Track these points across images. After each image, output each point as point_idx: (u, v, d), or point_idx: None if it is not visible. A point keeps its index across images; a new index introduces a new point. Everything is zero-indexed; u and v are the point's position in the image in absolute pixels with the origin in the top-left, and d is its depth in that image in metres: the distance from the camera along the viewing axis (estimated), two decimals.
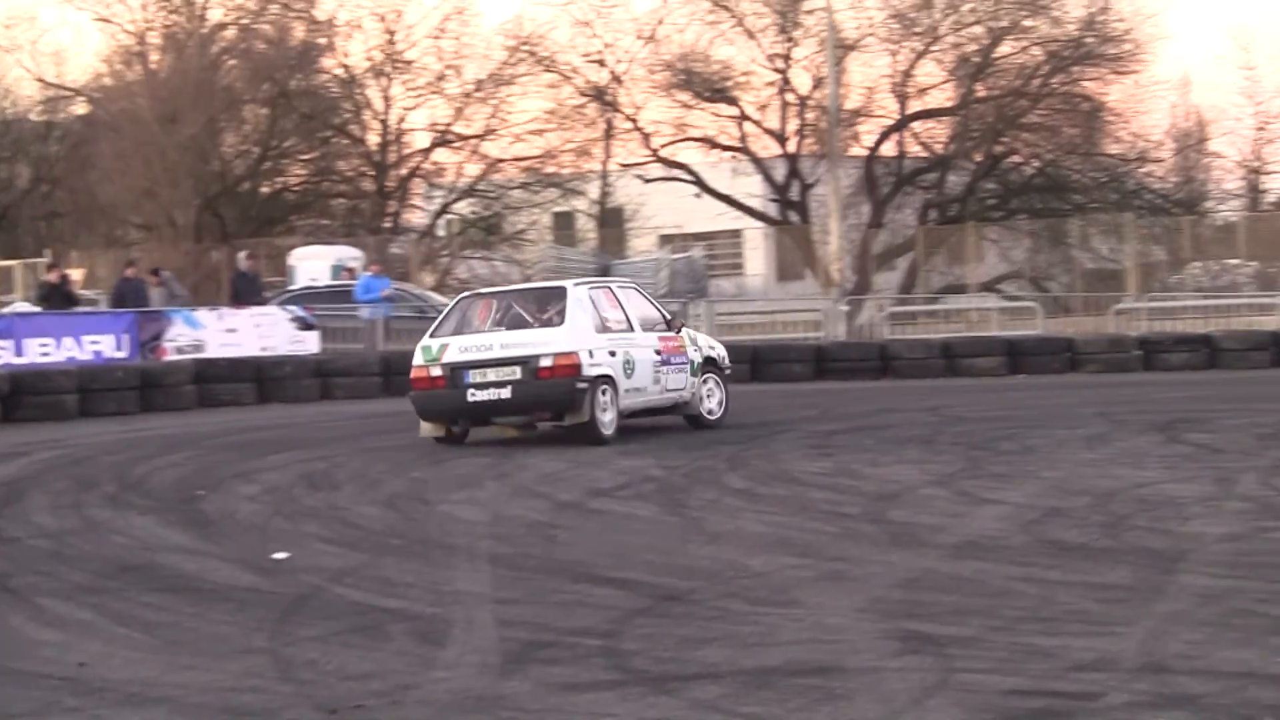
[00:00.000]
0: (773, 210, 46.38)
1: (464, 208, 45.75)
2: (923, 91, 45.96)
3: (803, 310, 38.13)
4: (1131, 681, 6.64)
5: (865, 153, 45.62)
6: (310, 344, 27.51)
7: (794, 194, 45.51)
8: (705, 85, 45.41)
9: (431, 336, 17.65)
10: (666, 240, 45.54)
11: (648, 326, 18.28)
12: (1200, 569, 8.99)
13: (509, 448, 16.60)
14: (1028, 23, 45.56)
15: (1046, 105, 46.05)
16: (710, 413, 18.78)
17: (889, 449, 15.69)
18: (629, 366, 17.54)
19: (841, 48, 42.35)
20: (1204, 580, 8.68)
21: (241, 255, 30.64)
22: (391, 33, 44.40)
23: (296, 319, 27.92)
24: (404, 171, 45.51)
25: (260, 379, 25.55)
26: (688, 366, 18.47)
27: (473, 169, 45.17)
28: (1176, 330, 32.44)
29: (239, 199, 43.89)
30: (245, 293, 28.96)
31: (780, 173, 45.87)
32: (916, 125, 46.37)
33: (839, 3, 44.07)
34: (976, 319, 37.51)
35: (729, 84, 45.68)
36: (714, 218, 46.37)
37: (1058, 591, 8.52)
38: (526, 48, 44.60)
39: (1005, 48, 45.72)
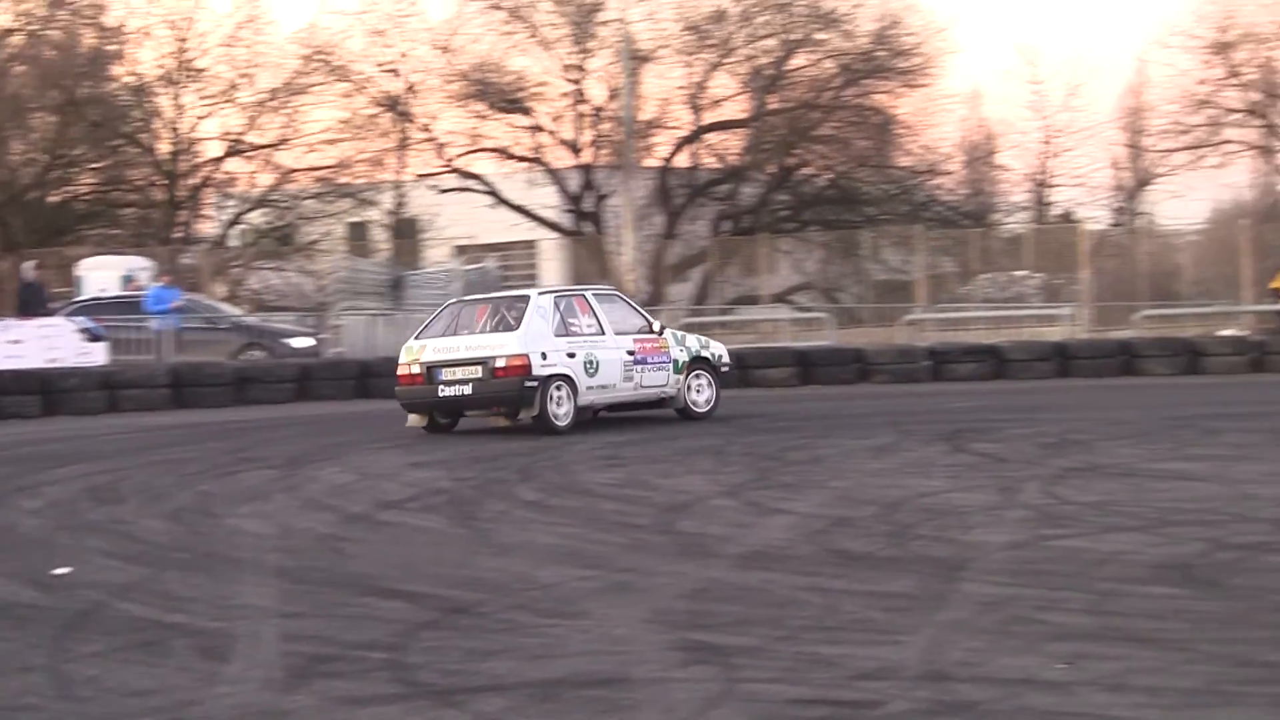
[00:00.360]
0: (567, 221, 46.46)
1: (257, 218, 45.33)
2: (717, 103, 46.34)
3: None
4: (913, 689, 6.71)
5: (659, 164, 45.85)
6: (98, 356, 27.10)
7: (588, 205, 45.67)
8: (500, 96, 45.43)
9: (416, 338, 20.08)
10: (461, 251, 45.43)
11: (624, 330, 20.27)
12: (982, 577, 9.12)
13: (297, 465, 16.42)
14: (820, 36, 46.10)
15: (838, 118, 46.62)
16: (697, 405, 20.80)
17: (680, 460, 15.76)
18: (591, 366, 19.64)
19: (636, 59, 42.57)
20: (985, 588, 8.80)
21: (28, 265, 30.11)
22: (183, 40, 43.93)
23: (84, 330, 27.48)
24: (196, 181, 45.00)
25: (46, 391, 25.17)
26: (669, 365, 20.48)
27: (266, 179, 44.85)
28: (965, 341, 32.89)
29: (26, 208, 43.08)
30: (32, 304, 28.46)
31: (575, 184, 46.01)
32: (710, 137, 46.73)
33: (634, 14, 44.39)
34: (769, 330, 37.83)
35: (524, 95, 45.75)
36: (509, 228, 46.40)
37: (842, 600, 8.59)
38: (320, 57, 44.36)
39: (798, 60, 46.22)
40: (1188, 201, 60.72)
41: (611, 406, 20.53)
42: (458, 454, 16.81)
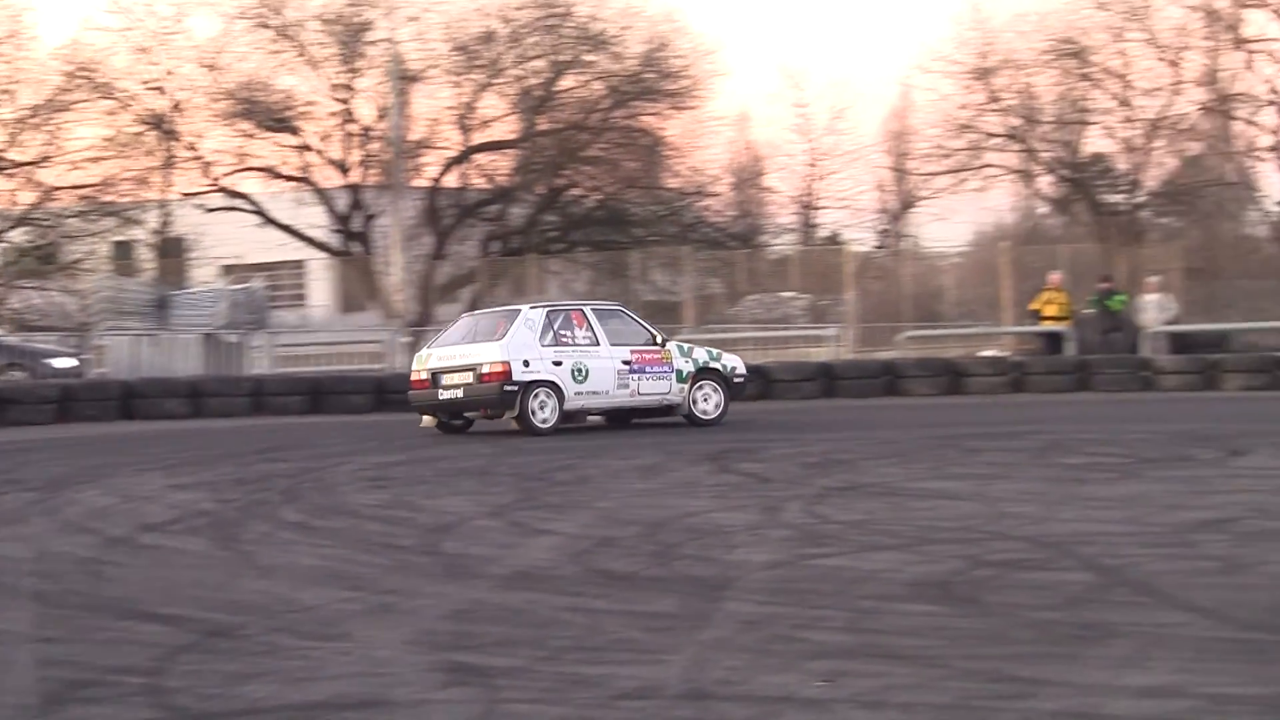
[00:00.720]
0: (336, 241, 46.11)
1: (18, 236, 44.39)
2: (486, 124, 46.22)
3: (365, 342, 37.99)
4: (673, 708, 6.75)
5: (428, 184, 45.68)
6: None
7: (357, 225, 45.34)
8: (267, 115, 44.95)
9: (428, 348, 22.86)
10: (228, 271, 44.91)
11: (624, 342, 22.41)
12: (744, 596, 9.19)
13: (57, 487, 16.13)
14: (589, 57, 46.16)
15: (607, 139, 46.70)
16: (705, 413, 22.73)
17: (445, 480, 15.73)
18: (579, 373, 21.91)
19: (405, 79, 42.37)
20: (747, 607, 8.88)
21: None
22: None
23: None
24: None
25: None
26: (670, 375, 22.56)
27: (27, 196, 43.91)
28: None
29: None
30: None
31: (343, 203, 45.65)
32: (480, 157, 46.59)
33: (402, 34, 44.20)
34: None
35: (291, 114, 45.31)
36: (276, 248, 45.95)
37: (605, 620, 8.61)
38: (84, 73, 43.56)
39: (567, 82, 46.26)
40: (950, 224, 61.79)
41: (610, 411, 22.86)
42: (221, 476, 16.60)
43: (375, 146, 44.62)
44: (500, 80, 45.76)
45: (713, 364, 22.98)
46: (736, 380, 23.24)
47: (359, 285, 43.91)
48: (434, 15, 45.20)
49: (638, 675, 7.31)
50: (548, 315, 22.22)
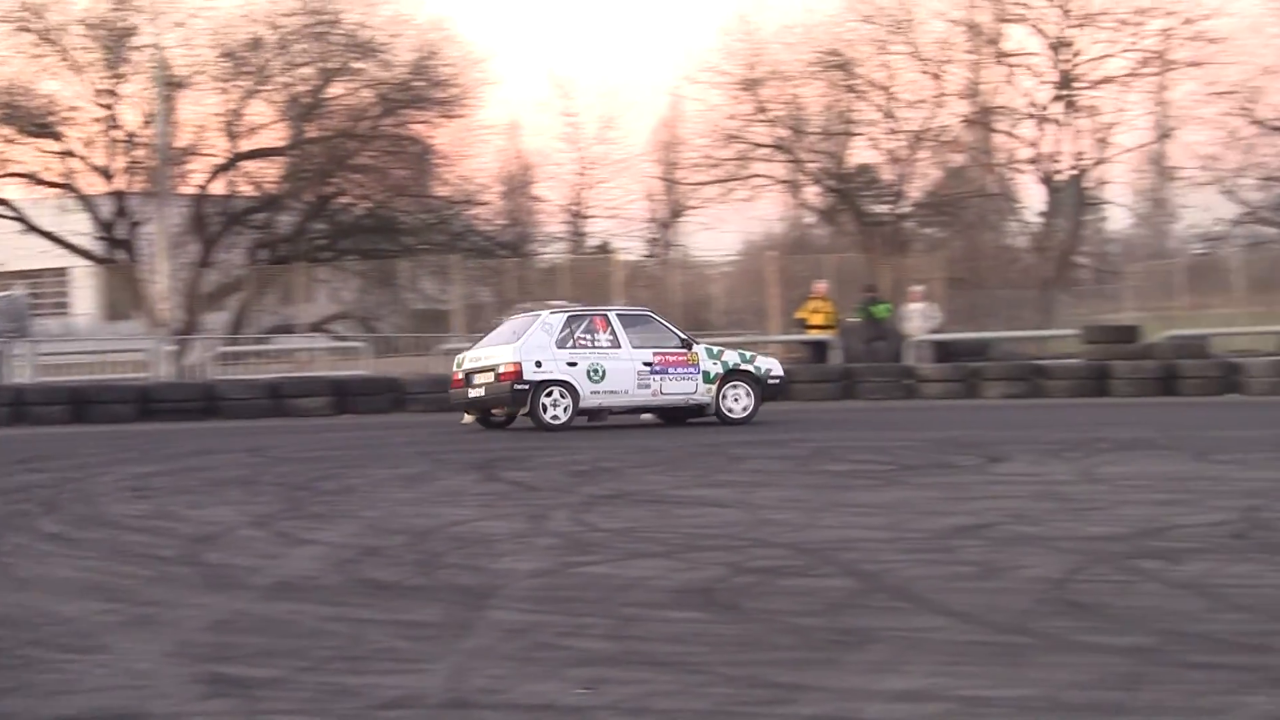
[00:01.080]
0: (100, 248, 45.41)
1: None
2: (253, 131, 45.83)
3: (130, 350, 37.46)
4: (435, 717, 6.73)
5: (195, 191, 45.16)
6: None
7: (122, 232, 44.71)
8: (29, 119, 44.19)
9: (469, 350, 24.86)
10: None
11: (649, 345, 23.88)
12: (508, 604, 9.19)
13: None
14: (357, 65, 46.02)
15: (376, 147, 46.58)
16: (733, 412, 24.12)
17: (209, 491, 15.55)
18: (596, 374, 23.52)
19: (171, 85, 41.89)
20: (511, 615, 8.88)
21: None
22: None
23: None
24: None
25: None
26: (697, 376, 23.97)
27: None
28: None
29: None
30: None
31: (108, 210, 44.99)
32: (248, 164, 46.19)
33: (168, 40, 43.69)
34: (305, 359, 37.57)
35: (54, 119, 44.62)
36: (39, 255, 45.16)
37: (369, 630, 8.57)
38: None
39: (336, 89, 46.03)
40: (719, 233, 62.38)
41: (634, 410, 24.37)
42: None
43: (140, 153, 44.04)
44: (268, 87, 45.45)
45: (744, 366, 24.34)
46: (771, 382, 24.59)
47: (124, 293, 43.33)
48: (200, 21, 44.89)
49: (400, 685, 7.28)
50: (568, 320, 23.91)
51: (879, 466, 17.46)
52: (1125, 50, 47.92)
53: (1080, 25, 47.75)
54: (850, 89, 47.18)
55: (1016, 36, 48.40)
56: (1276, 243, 45.31)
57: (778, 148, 47.35)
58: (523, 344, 23.39)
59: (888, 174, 48.23)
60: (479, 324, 40.92)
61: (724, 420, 23.97)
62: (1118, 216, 55.32)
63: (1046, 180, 48.67)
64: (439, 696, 7.06)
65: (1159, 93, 48.77)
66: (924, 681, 7.17)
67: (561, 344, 23.55)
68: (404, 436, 22.71)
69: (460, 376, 24.14)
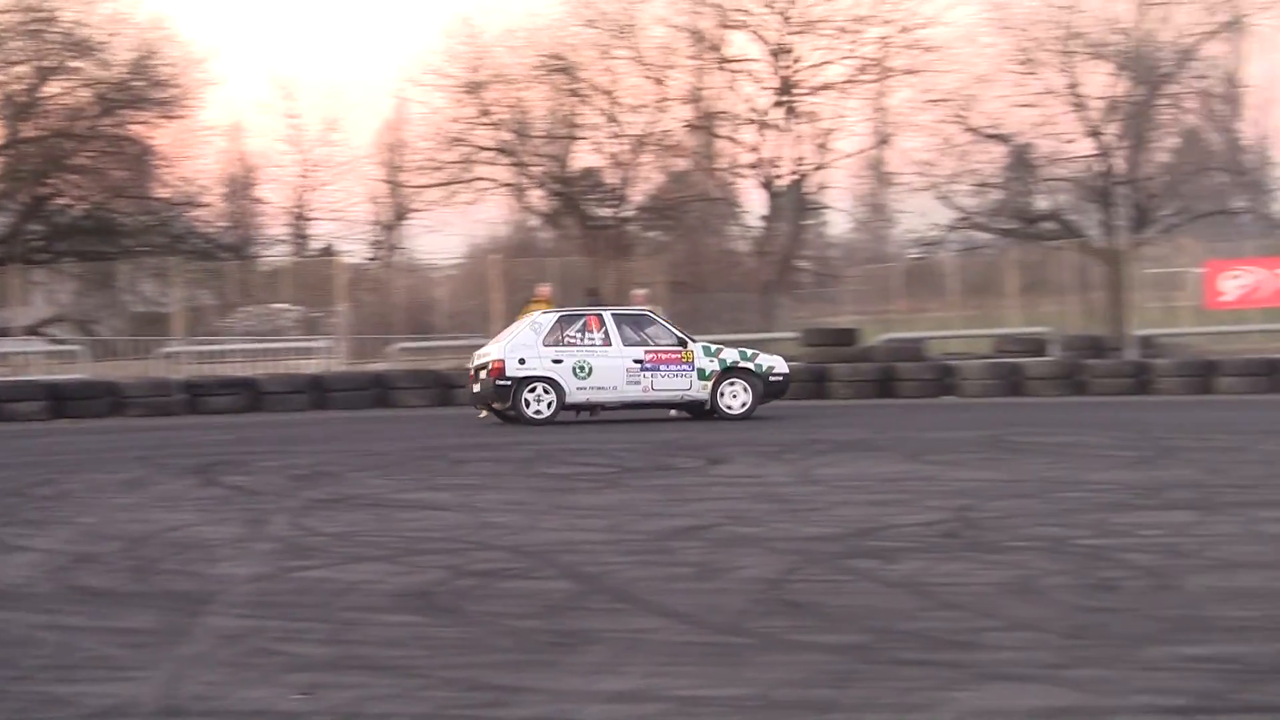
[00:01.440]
0: None
1: None
2: None
3: None
4: None
5: None
6: None
7: None
8: None
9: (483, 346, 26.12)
10: None
11: (642, 343, 24.71)
12: (225, 610, 9.10)
13: None
14: (75, 64, 45.09)
15: (94, 147, 45.67)
16: (729, 408, 24.84)
17: None
18: (582, 370, 24.48)
19: None
20: (228, 621, 8.78)
21: None
22: None
23: None
24: None
25: None
26: (691, 373, 24.73)
27: None
28: (222, 374, 32.76)
29: None
30: None
31: None
32: None
33: None
34: (20, 363, 36.78)
35: None
36: None
37: (81, 638, 8.42)
38: None
39: (52, 88, 45.08)
40: (443, 236, 62.26)
41: (625, 405, 24.93)
42: None
43: None
44: None
45: (743, 364, 25.00)
46: (773, 379, 25.23)
47: None
48: None
49: (112, 693, 7.17)
50: (559, 319, 24.95)
51: (600, 469, 17.56)
52: (844, 57, 48.82)
53: (800, 32, 48.51)
54: (574, 93, 47.36)
55: (738, 43, 49.04)
56: (990, 248, 46.36)
57: (502, 151, 47.38)
58: (508, 342, 24.75)
59: (611, 178, 48.50)
60: (200, 327, 40.43)
61: (719, 415, 24.76)
62: (837, 221, 56.33)
63: (767, 185, 49.32)
64: (152, 705, 6.97)
65: (877, 99, 49.76)
66: (641, 682, 7.24)
67: (552, 342, 24.55)
68: (121, 441, 22.31)
69: (470, 373, 25.39)
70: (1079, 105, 44.89)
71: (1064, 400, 30.80)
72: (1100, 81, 45.24)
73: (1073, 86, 44.80)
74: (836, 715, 6.63)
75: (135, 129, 46.51)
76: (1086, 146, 45.29)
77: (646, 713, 6.77)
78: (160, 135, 47.02)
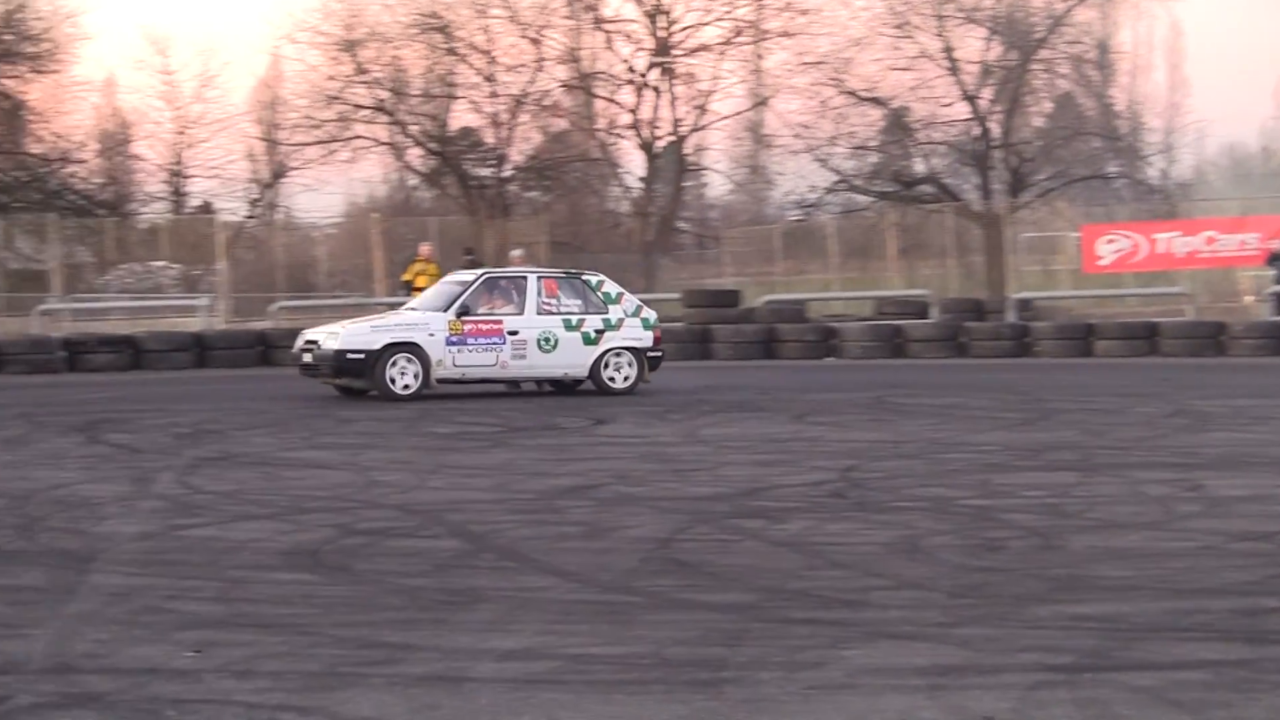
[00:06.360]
0: None
1: None
2: None
3: None
4: (37, 683, 6.61)
5: None
6: None
7: None
8: None
9: None
10: None
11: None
12: (113, 568, 9.06)
13: None
14: None
15: None
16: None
17: None
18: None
19: None
20: (116, 579, 8.75)
21: None
22: None
23: None
24: None
25: None
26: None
27: None
28: (101, 331, 32.42)
29: None
30: None
31: None
32: None
33: None
34: None
35: None
36: None
37: None
38: None
39: None
40: (323, 195, 61.85)
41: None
42: None
43: None
44: None
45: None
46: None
47: None
48: None
49: (1, 650, 7.13)
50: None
51: (487, 429, 17.58)
52: (720, 19, 48.84)
53: None
54: (451, 52, 47.09)
55: (614, 3, 49.06)
56: (869, 210, 46.59)
57: (379, 109, 47.05)
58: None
59: (490, 138, 48.35)
60: (78, 284, 40.02)
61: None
62: (717, 183, 56.37)
63: (647, 146, 49.33)
64: (41, 662, 6.95)
65: (754, 61, 49.81)
66: (532, 640, 7.29)
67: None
68: (3, 398, 22.08)
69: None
70: (954, 69, 45.12)
71: (945, 362, 31.05)
72: (975, 46, 45.51)
73: (948, 51, 45.01)
74: (728, 673, 6.70)
75: (7, 84, 45.89)
76: (962, 110, 45.58)
77: (538, 670, 6.81)
78: (33, 90, 46.43)
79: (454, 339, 21.69)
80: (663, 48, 48.68)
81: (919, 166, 47.04)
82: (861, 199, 47.25)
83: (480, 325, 21.87)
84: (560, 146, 49.75)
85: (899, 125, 46.43)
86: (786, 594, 8.27)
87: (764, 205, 54.89)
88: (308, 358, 21.92)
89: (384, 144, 48.05)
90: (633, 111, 49.18)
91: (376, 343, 21.42)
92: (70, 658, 7.02)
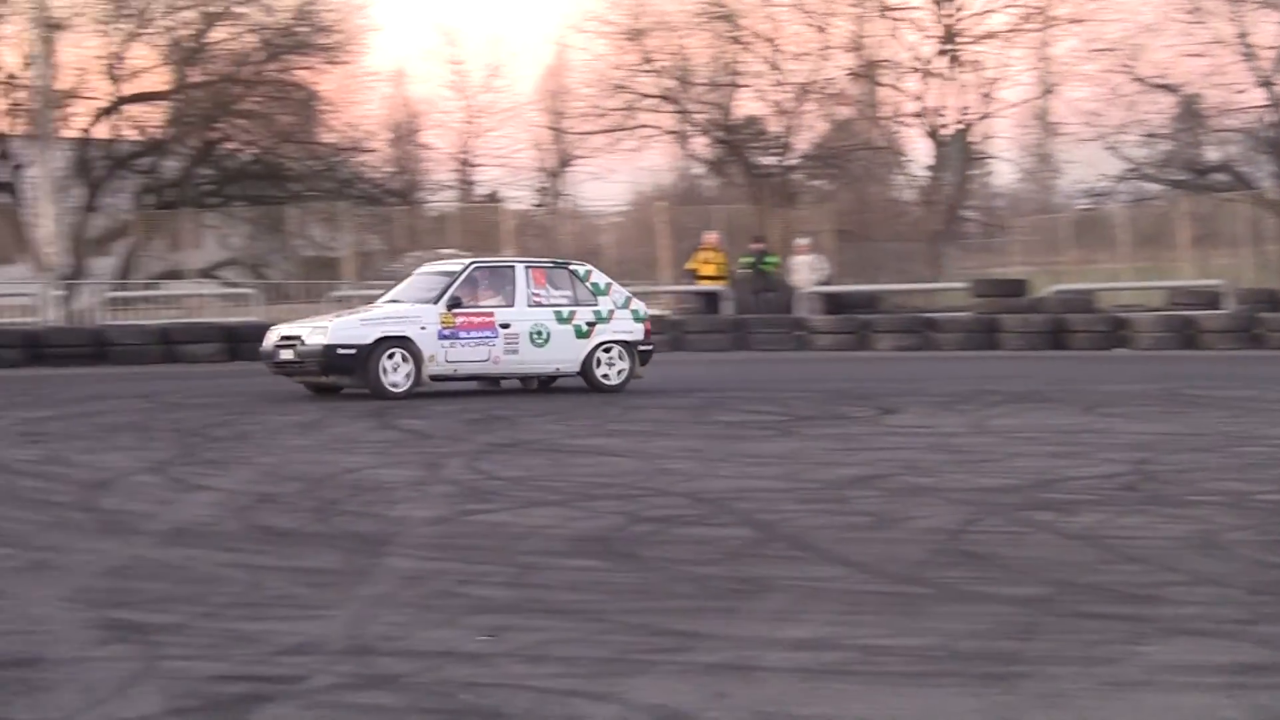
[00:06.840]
0: None
1: None
2: (136, 74, 45.24)
3: (16, 295, 37.01)
4: (335, 664, 6.72)
5: (79, 135, 44.58)
6: None
7: (4, 175, 44.10)
8: None
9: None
10: None
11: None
12: (406, 552, 9.19)
13: None
14: (240, 9, 45.47)
15: (261, 92, 46.09)
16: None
17: (102, 436, 15.44)
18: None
19: (50, 27, 41.22)
20: (409, 563, 8.87)
21: None
22: None
23: None
24: None
25: None
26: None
27: None
28: None
29: None
30: None
31: None
32: (131, 108, 45.61)
33: None
34: (195, 305, 37.30)
35: None
36: None
37: (267, 577, 8.54)
38: None
39: (219, 33, 45.51)
40: (608, 183, 62.30)
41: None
42: None
43: (21, 95, 43.38)
44: (150, 30, 44.83)
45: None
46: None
47: (8, 237, 42.72)
48: None
49: (299, 630, 7.26)
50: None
51: (773, 417, 17.55)
52: (1008, 5, 48.21)
53: None
54: (736, 40, 47.14)
55: None
56: (1160, 199, 45.73)
57: (665, 98, 47.28)
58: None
59: (775, 126, 48.29)
60: (369, 271, 40.77)
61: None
62: (1003, 171, 55.72)
63: (932, 134, 48.89)
64: (339, 643, 7.05)
65: (1041, 49, 49.10)
66: (821, 630, 7.23)
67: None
68: (298, 384, 22.55)
69: None
70: (1249, 55, 44.06)
71: (1240, 354, 30.33)
72: (1271, 31, 44.39)
73: (1242, 36, 43.96)
74: (1021, 668, 6.59)
75: (300, 74, 46.88)
76: (1258, 97, 44.48)
77: (828, 660, 6.75)
78: (325, 81, 47.42)
79: (446, 332, 20.50)
80: (949, 35, 48.21)
81: (1212, 154, 46.04)
82: (1152, 187, 46.38)
83: (472, 318, 20.70)
84: (845, 135, 49.52)
85: (1191, 112, 45.47)
86: (1080, 588, 8.12)
87: (1052, 194, 54.16)
88: (287, 354, 20.53)
89: (669, 132, 48.29)
90: (918, 99, 48.82)
91: (368, 337, 20.08)
92: (366, 639, 7.12)
